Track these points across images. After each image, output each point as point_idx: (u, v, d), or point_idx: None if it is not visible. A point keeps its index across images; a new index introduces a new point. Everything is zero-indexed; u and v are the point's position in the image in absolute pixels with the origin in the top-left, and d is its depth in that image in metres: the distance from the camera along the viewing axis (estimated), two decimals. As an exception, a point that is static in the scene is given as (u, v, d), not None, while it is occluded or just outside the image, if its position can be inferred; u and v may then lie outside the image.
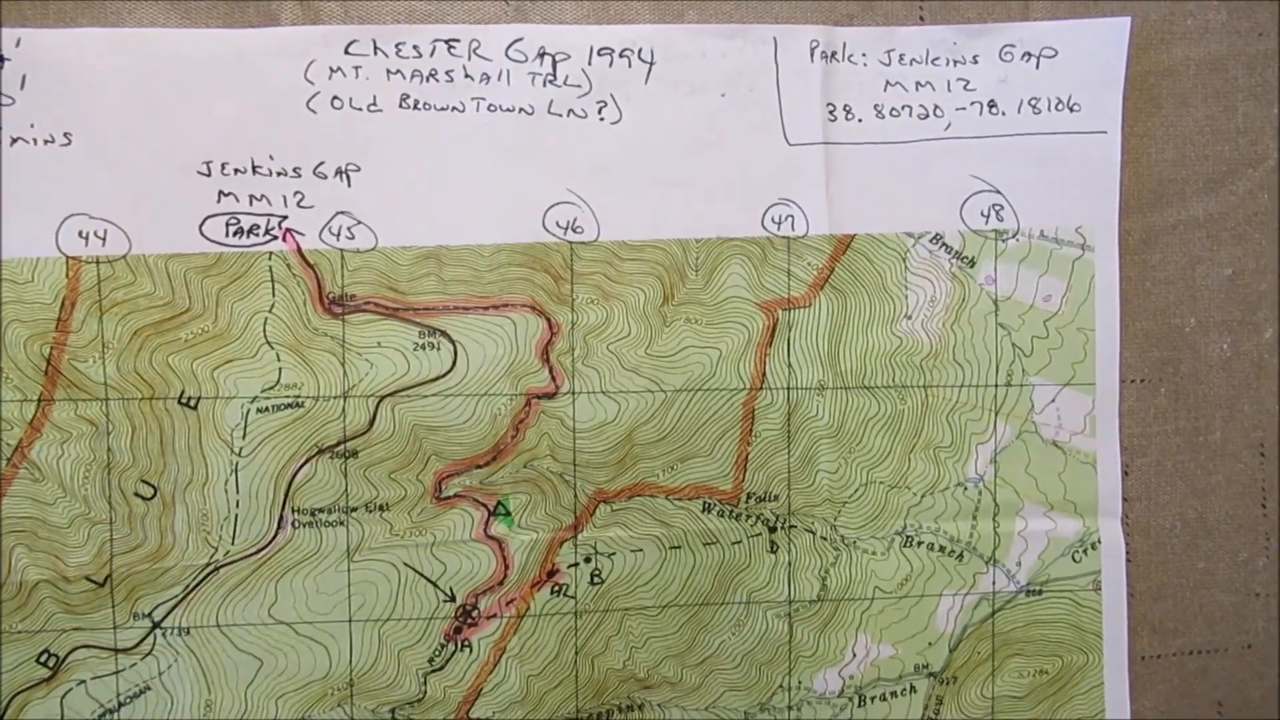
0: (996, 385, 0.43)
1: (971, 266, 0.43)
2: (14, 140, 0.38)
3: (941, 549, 0.43)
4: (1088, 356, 0.43)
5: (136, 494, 0.39)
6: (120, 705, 0.40)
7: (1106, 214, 0.43)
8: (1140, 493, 0.44)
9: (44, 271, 0.38)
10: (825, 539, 0.43)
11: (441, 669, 0.41)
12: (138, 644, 0.40)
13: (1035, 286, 0.43)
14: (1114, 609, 0.44)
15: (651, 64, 0.40)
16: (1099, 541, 0.44)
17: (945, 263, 0.42)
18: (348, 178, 0.39)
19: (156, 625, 0.39)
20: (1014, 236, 0.43)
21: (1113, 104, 0.42)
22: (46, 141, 0.38)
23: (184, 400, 0.39)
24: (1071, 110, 0.42)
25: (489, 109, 0.39)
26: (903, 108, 0.42)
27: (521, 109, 0.40)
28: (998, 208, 0.43)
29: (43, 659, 0.39)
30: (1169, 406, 0.44)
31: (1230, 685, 0.45)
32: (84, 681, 0.39)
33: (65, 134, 0.38)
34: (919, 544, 0.43)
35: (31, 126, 0.38)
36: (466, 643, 0.41)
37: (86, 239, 0.38)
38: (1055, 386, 0.43)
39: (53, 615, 0.39)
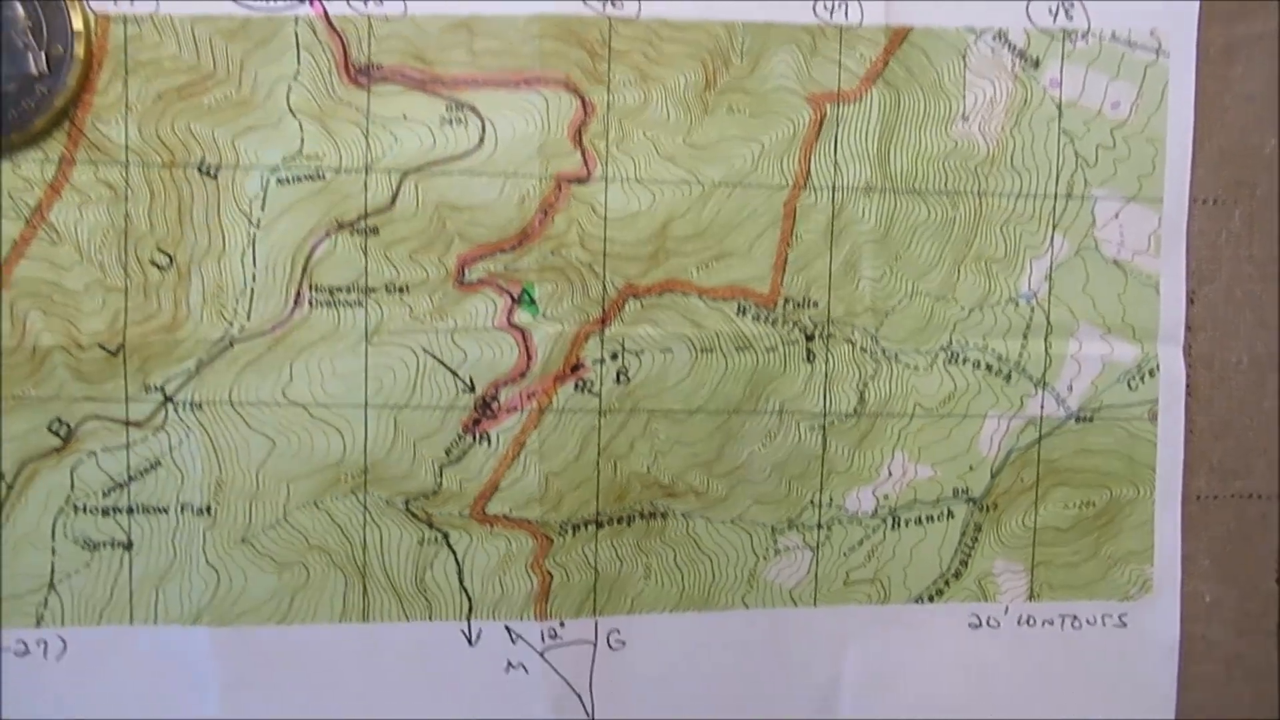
0: (1056, 196, 0.40)
1: (1036, 67, 0.40)
2: (37, -112, 0.36)
3: (988, 367, 0.41)
4: (1156, 170, 0.41)
5: (153, 262, 0.38)
6: (130, 480, 0.39)
7: (1185, 16, 0.40)
8: (1205, 321, 0.42)
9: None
10: (865, 350, 0.40)
11: (458, 462, 0.39)
12: (149, 418, 0.38)
13: (1103, 92, 0.40)
14: (1170, 442, 0.42)
15: None
16: (1157, 368, 0.41)
17: (1008, 62, 0.40)
18: (377, -65, 0.37)
19: (168, 399, 0.38)
20: (1083, 37, 0.40)
21: (1199, -112, 0.39)
22: (69, -109, 0.36)
23: (203, 168, 0.38)
24: (1153, -106, 0.39)
25: None
26: (970, -114, 0.39)
27: None
28: (1067, 5, 0.40)
29: (54, 427, 0.38)
30: (1242, 231, 0.41)
31: (1291, 532, 0.43)
32: (94, 454, 0.39)
33: (89, -117, 0.36)
34: (964, 361, 0.41)
35: (55, -125, 0.36)
36: (485, 435, 0.39)
37: (113, -6, 0.37)
38: (1119, 200, 0.41)
39: (65, 383, 0.38)
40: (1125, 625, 0.42)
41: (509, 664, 0.40)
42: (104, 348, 0.38)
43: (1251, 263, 0.42)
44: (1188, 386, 0.41)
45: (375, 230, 0.38)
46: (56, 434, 0.38)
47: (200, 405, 0.38)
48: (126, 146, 0.37)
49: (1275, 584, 0.43)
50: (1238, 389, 0.42)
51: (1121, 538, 0.42)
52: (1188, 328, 0.41)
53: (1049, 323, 0.41)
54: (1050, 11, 0.40)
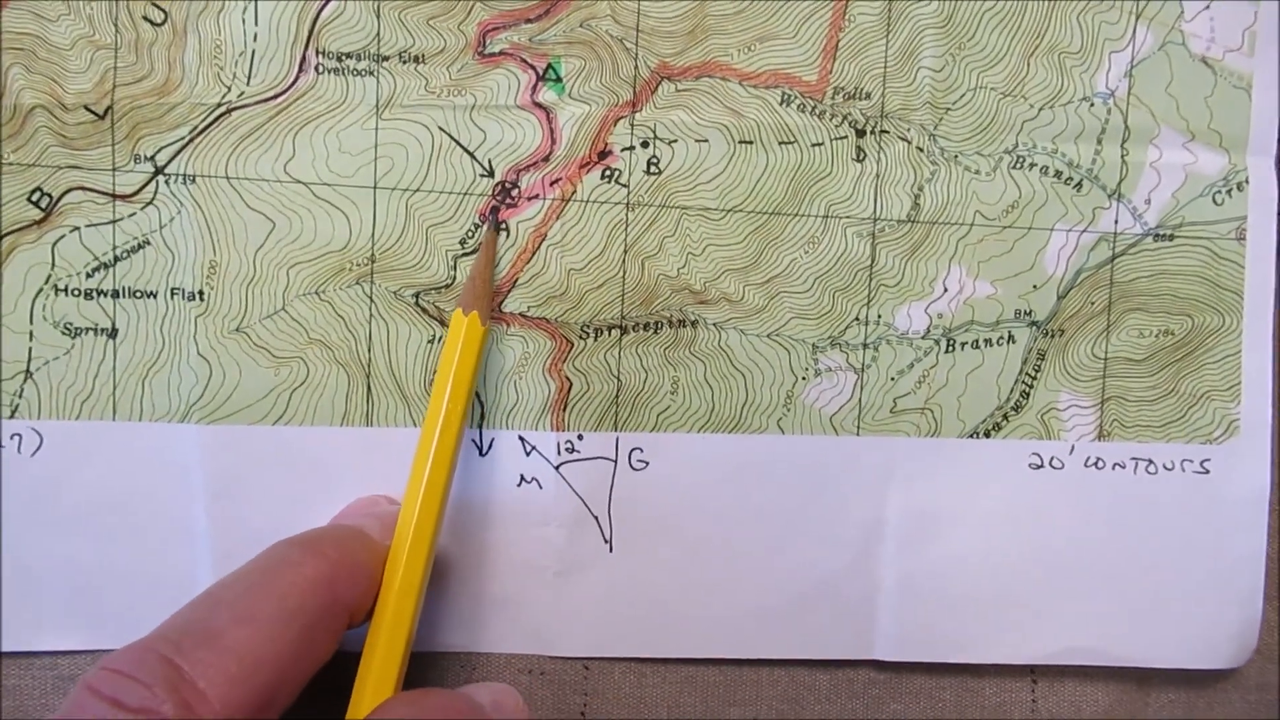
0: (1139, -18, 0.36)
1: None
2: None
3: (1058, 174, 0.37)
4: (1252, -43, 0.36)
5: (145, 18, 0.35)
6: (116, 260, 0.36)
7: None
8: (1302, 133, 0.38)
9: None
10: (922, 150, 0.37)
11: (474, 253, 0.36)
12: (138, 191, 0.35)
13: None
14: (1260, 265, 0.38)
15: None
16: (1246, 182, 0.37)
17: None
18: None
19: (159, 170, 0.35)
20: None
21: None
22: None
23: (205, -81, 0.35)
24: None
25: None
26: None
27: None
28: None
29: (35, 197, 0.35)
30: (1346, 32, 0.37)
31: (1393, 372, 0.38)
32: (78, 229, 0.35)
33: None
34: (1031, 166, 0.37)
35: None
36: (503, 225, 0.36)
37: None
38: (1210, -10, 0.37)
39: (48, 148, 0.35)
40: (1207, 472, 0.38)
41: (521, 478, 0.36)
42: (91, 110, 0.35)
43: (1355, 72, 0.37)
44: (1280, 204, 0.37)
45: (389, -10, 0.35)
46: (37, 205, 0.35)
47: (194, 179, 0.35)
48: (124, -104, 0.34)
49: (1372, 435, 0.38)
50: (1336, 211, 0.38)
51: (1204, 372, 0.38)
52: (1282, 139, 0.37)
53: (1127, 126, 0.37)
54: None
